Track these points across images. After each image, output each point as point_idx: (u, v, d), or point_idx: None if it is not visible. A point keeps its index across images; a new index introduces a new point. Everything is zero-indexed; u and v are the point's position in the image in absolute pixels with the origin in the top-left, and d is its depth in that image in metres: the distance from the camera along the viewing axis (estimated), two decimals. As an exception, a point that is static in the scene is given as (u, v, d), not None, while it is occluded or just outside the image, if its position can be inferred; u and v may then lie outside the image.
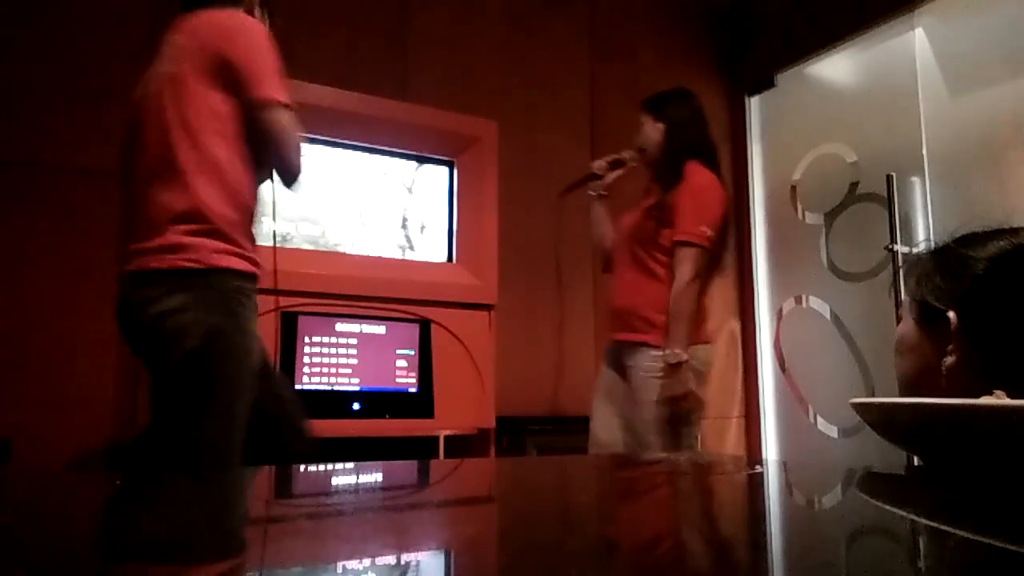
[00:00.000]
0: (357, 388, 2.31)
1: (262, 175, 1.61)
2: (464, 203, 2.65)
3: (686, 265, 2.06)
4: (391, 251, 2.55)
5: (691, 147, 2.19)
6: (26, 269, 2.26)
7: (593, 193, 2.40)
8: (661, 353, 2.05)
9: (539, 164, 3.15)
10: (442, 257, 2.63)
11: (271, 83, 1.49)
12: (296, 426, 1.66)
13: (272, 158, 1.54)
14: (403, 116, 2.57)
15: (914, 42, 2.98)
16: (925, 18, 2.95)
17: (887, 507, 0.62)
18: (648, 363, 2.08)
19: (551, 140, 3.21)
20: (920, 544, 0.46)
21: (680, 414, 2.06)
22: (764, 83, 3.60)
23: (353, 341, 2.33)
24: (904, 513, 0.58)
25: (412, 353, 2.41)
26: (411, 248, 2.58)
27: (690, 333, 2.05)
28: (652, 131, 2.24)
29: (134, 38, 2.48)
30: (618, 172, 2.37)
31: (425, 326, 2.44)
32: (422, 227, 2.61)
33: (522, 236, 3.02)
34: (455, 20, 3.07)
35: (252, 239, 1.58)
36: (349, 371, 2.30)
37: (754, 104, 3.69)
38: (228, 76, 1.48)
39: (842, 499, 0.70)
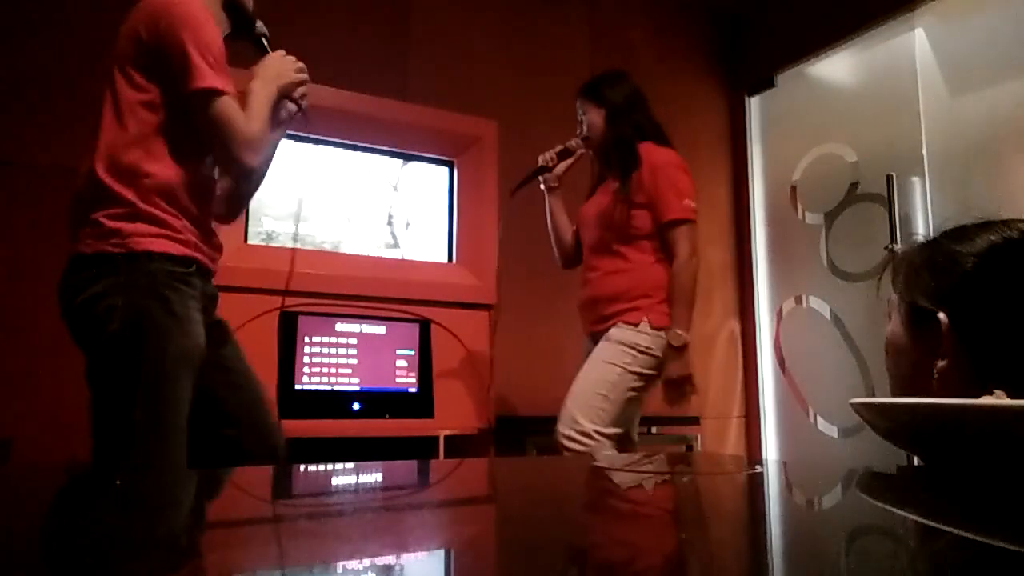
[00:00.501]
0: (357, 388, 2.31)
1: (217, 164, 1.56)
2: (464, 203, 2.65)
3: (683, 243, 2.06)
4: (378, 249, 2.54)
5: (636, 127, 2.19)
6: (26, 269, 2.26)
7: (544, 186, 2.39)
8: (635, 327, 2.04)
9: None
10: (442, 257, 2.63)
11: (202, 70, 1.38)
12: (257, 424, 1.59)
13: (216, 153, 1.48)
14: (403, 116, 2.57)
15: (914, 42, 2.98)
16: (925, 18, 2.95)
17: (887, 507, 0.62)
18: (618, 334, 2.05)
19: (551, 140, 3.21)
20: (920, 544, 0.46)
21: (639, 388, 2.05)
22: (764, 83, 3.60)
23: (353, 341, 2.33)
24: (904, 513, 0.58)
25: (412, 353, 2.41)
26: (396, 246, 2.56)
27: (691, 313, 2.04)
28: (594, 116, 2.24)
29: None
30: (567, 162, 2.35)
31: (425, 326, 2.44)
32: (407, 224, 2.60)
33: (522, 236, 3.02)
34: (455, 20, 3.07)
35: (199, 226, 1.51)
36: (349, 371, 2.30)
37: (754, 104, 3.70)
38: (158, 64, 1.41)
39: (842, 499, 0.70)
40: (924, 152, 2.90)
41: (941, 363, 0.76)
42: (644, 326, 2.05)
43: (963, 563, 0.39)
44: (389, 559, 0.39)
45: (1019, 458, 0.61)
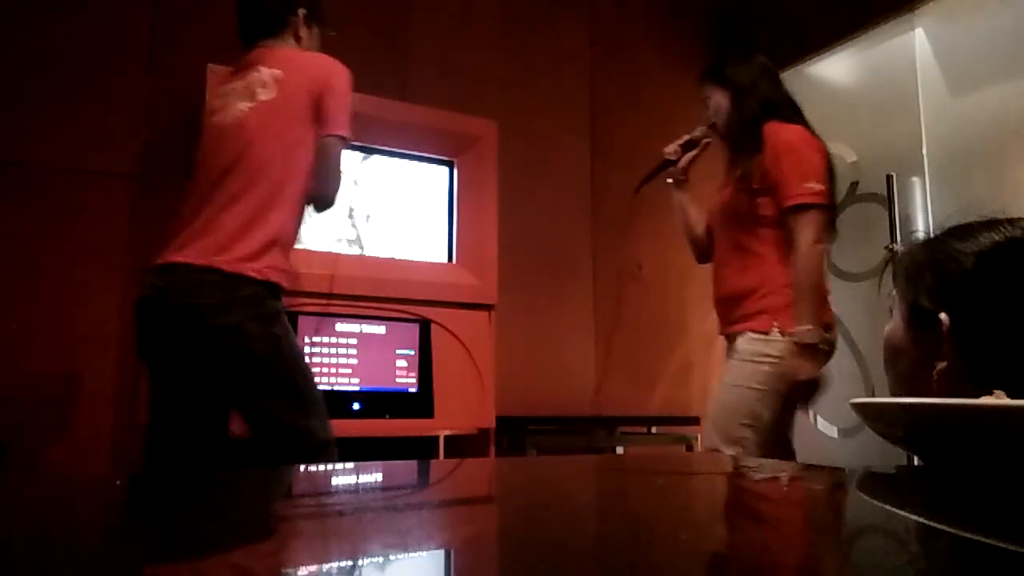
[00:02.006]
0: (357, 388, 2.31)
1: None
2: (464, 203, 2.65)
3: (806, 230, 1.86)
4: (339, 245, 2.49)
5: (765, 106, 2.03)
6: (26, 269, 2.26)
7: (671, 180, 2.27)
8: (765, 336, 1.89)
9: (539, 164, 3.15)
10: (442, 257, 2.63)
11: (343, 119, 1.72)
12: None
13: (323, 184, 1.73)
14: (403, 116, 2.57)
15: (914, 42, 2.97)
16: (925, 18, 2.95)
17: (887, 507, 0.62)
18: (746, 346, 1.92)
19: (551, 140, 3.21)
20: (920, 544, 0.46)
21: (791, 400, 1.90)
22: (764, 83, 3.59)
23: (353, 341, 2.33)
24: (904, 513, 0.58)
25: (412, 353, 2.41)
26: (360, 245, 2.52)
27: (820, 307, 1.85)
28: (720, 99, 2.11)
29: (134, 38, 2.49)
30: (693, 153, 2.23)
31: (425, 326, 2.44)
32: (367, 217, 2.56)
33: (522, 236, 3.02)
34: (455, 20, 3.07)
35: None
36: (349, 371, 2.30)
37: (754, 104, 3.69)
38: (317, 112, 1.70)
39: (841, 499, 0.70)
40: (924, 152, 2.90)
41: (941, 364, 0.75)
42: (774, 333, 1.89)
43: (963, 563, 0.39)
44: (389, 559, 0.39)
45: (1019, 458, 0.61)
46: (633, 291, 3.33)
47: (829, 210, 1.94)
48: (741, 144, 2.03)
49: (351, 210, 2.52)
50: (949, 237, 0.79)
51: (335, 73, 1.73)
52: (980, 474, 0.66)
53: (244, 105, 1.68)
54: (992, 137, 2.69)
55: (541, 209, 3.14)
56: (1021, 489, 0.60)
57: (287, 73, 1.71)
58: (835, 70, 3.37)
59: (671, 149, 2.25)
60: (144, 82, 2.47)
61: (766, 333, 1.91)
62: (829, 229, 1.95)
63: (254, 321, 1.59)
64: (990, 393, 0.68)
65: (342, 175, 1.74)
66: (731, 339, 2.03)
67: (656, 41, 3.56)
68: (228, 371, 1.59)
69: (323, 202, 1.77)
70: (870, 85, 3.20)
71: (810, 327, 1.83)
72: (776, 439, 1.96)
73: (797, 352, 1.85)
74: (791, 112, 2.05)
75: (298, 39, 1.84)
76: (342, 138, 1.71)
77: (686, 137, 2.24)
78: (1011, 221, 0.77)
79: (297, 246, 2.36)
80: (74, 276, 2.31)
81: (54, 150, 2.33)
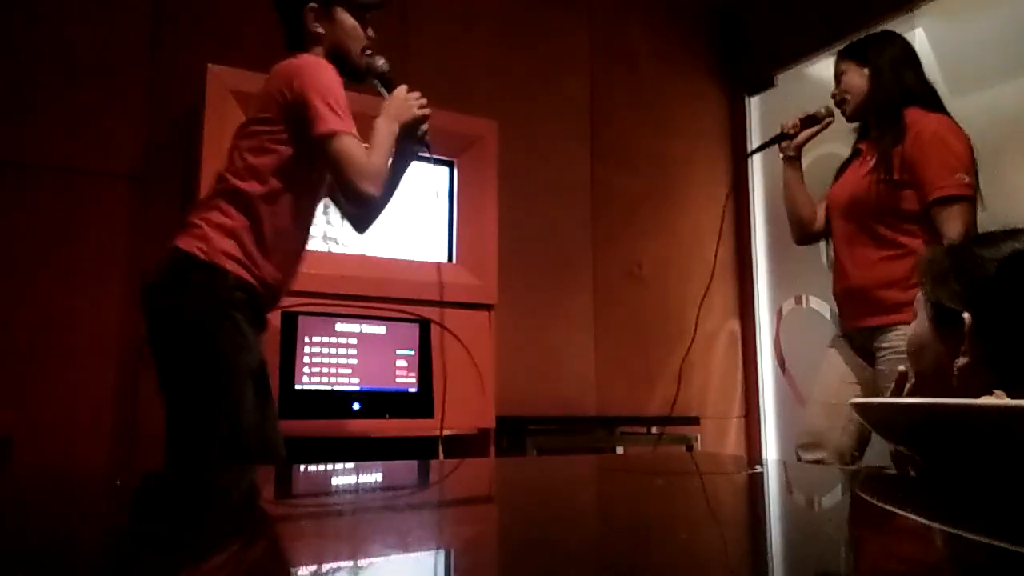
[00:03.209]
0: (357, 388, 2.31)
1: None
2: (464, 203, 2.65)
3: (954, 223, 1.78)
4: (325, 244, 2.44)
5: (905, 92, 1.95)
6: (26, 269, 2.26)
7: (783, 155, 2.20)
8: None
9: (539, 164, 3.15)
10: (442, 257, 2.63)
11: (325, 117, 1.58)
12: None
13: (339, 189, 1.67)
14: (403, 116, 2.56)
15: (914, 42, 2.97)
16: (925, 18, 2.95)
17: (887, 507, 0.62)
18: (901, 342, 1.76)
19: (551, 140, 3.21)
20: (920, 544, 0.46)
21: None
22: (764, 83, 3.60)
23: (353, 341, 2.33)
24: (904, 513, 0.58)
25: (412, 353, 2.40)
26: (336, 241, 2.49)
27: None
28: (856, 78, 2.02)
29: (134, 39, 2.49)
30: (811, 131, 2.16)
31: (425, 326, 2.44)
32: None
33: (522, 236, 3.02)
34: (455, 20, 3.07)
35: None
36: (349, 371, 2.30)
37: (754, 104, 3.69)
38: (288, 114, 1.61)
39: (842, 499, 0.70)
40: (924, 152, 2.90)
41: (961, 361, 0.81)
42: None
43: (963, 563, 0.39)
44: (389, 559, 0.39)
45: (1019, 458, 0.61)
46: (633, 291, 3.33)
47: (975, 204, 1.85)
48: (881, 129, 1.95)
49: (325, 207, 2.48)
50: (973, 245, 0.87)
51: (297, 71, 1.62)
52: (980, 474, 0.66)
53: None
54: (992, 137, 2.69)
55: (541, 209, 3.14)
56: (1021, 489, 0.60)
57: (264, 84, 1.68)
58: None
59: (789, 124, 2.19)
60: (144, 82, 2.47)
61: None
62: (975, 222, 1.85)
63: (191, 306, 1.54)
64: (990, 393, 0.68)
65: (369, 170, 1.61)
66: (859, 337, 1.97)
67: (656, 41, 3.56)
68: (159, 352, 1.56)
69: (354, 205, 1.73)
70: (870, 85, 3.20)
71: None
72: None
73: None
74: (932, 100, 1.97)
75: (318, 37, 1.71)
76: (327, 136, 1.57)
77: (806, 113, 2.17)
78: None
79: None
80: (74, 276, 2.31)
81: (54, 150, 2.33)
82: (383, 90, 1.79)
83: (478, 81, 3.05)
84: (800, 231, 2.21)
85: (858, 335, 2.01)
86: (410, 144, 1.81)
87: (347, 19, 1.74)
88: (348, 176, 1.59)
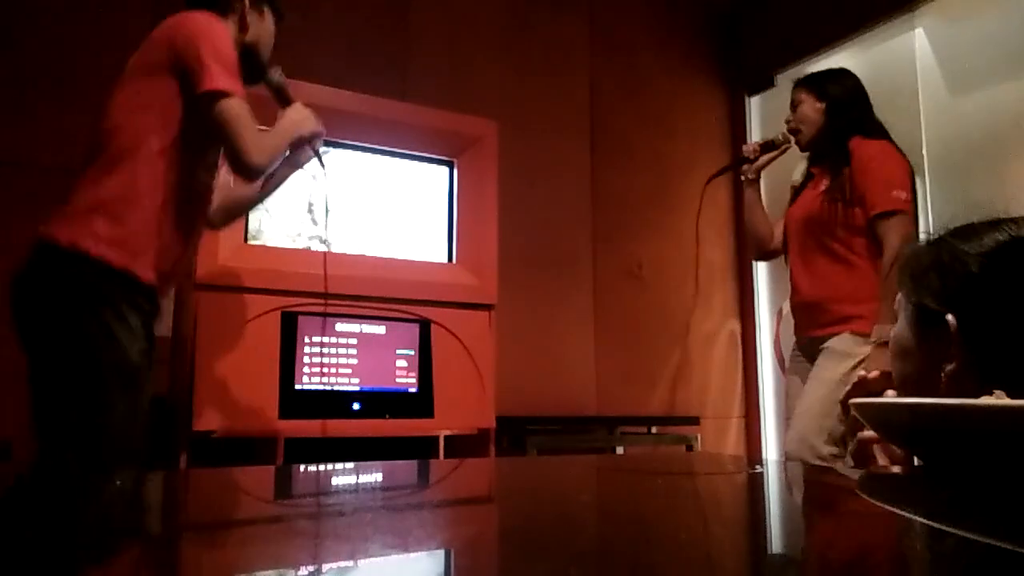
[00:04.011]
0: (357, 388, 2.31)
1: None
2: (464, 203, 2.65)
3: (892, 235, 1.96)
4: (304, 241, 2.43)
5: (853, 123, 2.14)
6: (26, 269, 2.25)
7: (744, 178, 2.35)
8: (864, 339, 1.94)
9: (539, 164, 3.15)
10: (442, 257, 2.63)
11: (212, 74, 1.48)
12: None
13: (225, 152, 1.57)
14: (403, 116, 2.56)
15: (914, 42, 2.97)
16: (925, 18, 2.95)
17: (887, 507, 0.62)
18: (842, 346, 1.99)
19: (551, 140, 3.21)
20: (920, 544, 0.46)
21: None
22: (764, 83, 3.60)
23: (353, 341, 2.33)
24: (904, 513, 0.58)
25: (412, 353, 2.40)
26: (322, 241, 2.48)
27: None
28: (811, 111, 2.20)
29: (134, 38, 2.48)
30: (770, 155, 2.31)
31: (425, 326, 2.44)
32: (326, 211, 2.51)
33: (522, 236, 3.02)
34: (455, 20, 3.07)
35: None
36: (349, 371, 2.30)
37: (754, 104, 3.69)
38: (171, 72, 1.51)
39: (842, 499, 0.70)
40: (924, 152, 2.90)
41: (950, 366, 0.75)
42: (870, 338, 1.95)
43: (963, 563, 0.39)
44: (389, 559, 0.39)
45: (1019, 458, 0.61)
46: (633, 291, 3.33)
47: (913, 217, 2.04)
48: (829, 158, 2.13)
49: (310, 205, 2.47)
50: (953, 238, 0.79)
51: (184, 24, 1.52)
52: (980, 474, 0.66)
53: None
54: (992, 137, 2.69)
55: (541, 209, 3.14)
56: (1021, 489, 0.60)
57: (146, 41, 1.56)
58: (835, 70, 3.36)
59: (749, 148, 2.33)
60: (144, 82, 2.47)
61: (866, 336, 1.97)
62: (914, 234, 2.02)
63: (55, 301, 1.44)
64: (990, 393, 0.68)
65: (262, 142, 1.53)
66: (812, 344, 2.10)
67: (656, 41, 3.56)
68: (25, 345, 1.48)
69: (240, 171, 1.57)
70: (870, 85, 3.18)
71: (890, 326, 1.89)
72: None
73: (874, 348, 1.92)
74: (876, 130, 2.15)
75: (244, 26, 1.66)
76: (216, 93, 1.47)
77: (766, 139, 2.32)
78: (1014, 220, 0.76)
79: (298, 246, 2.37)
80: (74, 276, 2.31)
81: (53, 150, 2.33)
82: (278, 100, 1.77)
83: (478, 81, 3.05)
84: (758, 248, 2.40)
85: (808, 345, 2.15)
86: (300, 155, 1.80)
87: (271, 21, 1.74)
88: (235, 140, 1.49)
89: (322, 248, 2.41)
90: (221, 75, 1.48)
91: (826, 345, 2.05)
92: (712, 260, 3.55)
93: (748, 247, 2.43)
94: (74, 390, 1.46)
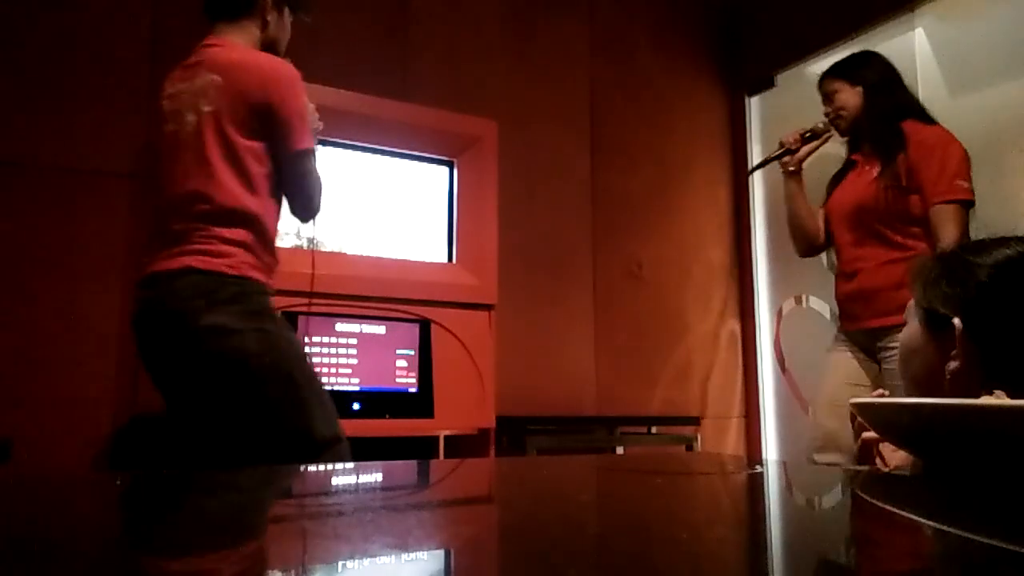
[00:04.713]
0: (357, 388, 2.31)
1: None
2: (464, 203, 2.65)
3: (949, 226, 1.91)
4: (297, 244, 2.43)
5: (898, 107, 2.09)
6: (26, 269, 2.26)
7: (785, 170, 2.29)
8: None
9: (539, 164, 3.15)
10: (442, 257, 2.63)
11: (303, 133, 1.63)
12: None
13: (298, 200, 1.70)
14: (403, 116, 2.56)
15: (914, 42, 2.97)
16: (925, 18, 2.95)
17: (887, 507, 0.62)
18: None
19: (551, 140, 3.21)
20: (920, 544, 0.46)
21: None
22: (764, 83, 3.60)
23: (353, 341, 2.33)
24: (904, 513, 0.58)
25: (412, 353, 2.41)
26: (314, 243, 2.47)
27: None
28: (850, 96, 2.15)
29: (134, 37, 2.49)
30: (812, 145, 2.26)
31: (425, 326, 2.44)
32: (364, 215, 2.50)
33: (522, 236, 3.02)
34: (455, 20, 3.07)
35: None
36: (349, 371, 2.30)
37: (754, 104, 3.69)
38: (264, 124, 1.61)
39: (842, 499, 0.70)
40: (924, 152, 2.90)
41: (953, 364, 0.81)
42: None
43: (963, 563, 0.39)
44: (389, 559, 0.39)
45: (1019, 458, 0.61)
46: (633, 291, 3.33)
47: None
48: (882, 142, 2.06)
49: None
50: (965, 251, 0.87)
51: (279, 81, 1.62)
52: (980, 474, 0.66)
53: (192, 117, 1.63)
54: (992, 137, 2.69)
55: (541, 209, 3.14)
56: (1021, 489, 0.60)
57: (227, 81, 1.61)
58: (835, 70, 3.36)
59: (790, 138, 2.27)
60: (144, 82, 2.47)
61: None
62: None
63: (240, 318, 1.56)
64: (990, 393, 0.68)
65: (320, 183, 1.70)
66: (872, 334, 2.03)
67: (656, 41, 3.56)
68: (220, 374, 1.56)
69: (306, 215, 1.74)
70: (870, 85, 3.20)
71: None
72: None
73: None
74: (922, 113, 2.10)
75: (265, 24, 1.74)
76: (308, 152, 1.65)
77: (806, 129, 2.26)
78: (1020, 239, 0.85)
79: (285, 244, 2.37)
80: (73, 276, 2.31)
81: (53, 150, 2.33)
82: None
83: (478, 81, 3.05)
84: (806, 244, 2.29)
85: (862, 336, 2.08)
86: None
87: (289, 22, 1.81)
88: (310, 192, 1.67)
89: (313, 247, 2.41)
90: (306, 133, 1.64)
91: (890, 345, 1.95)
92: (712, 260, 3.55)
93: (795, 242, 2.30)
94: (293, 378, 1.62)
